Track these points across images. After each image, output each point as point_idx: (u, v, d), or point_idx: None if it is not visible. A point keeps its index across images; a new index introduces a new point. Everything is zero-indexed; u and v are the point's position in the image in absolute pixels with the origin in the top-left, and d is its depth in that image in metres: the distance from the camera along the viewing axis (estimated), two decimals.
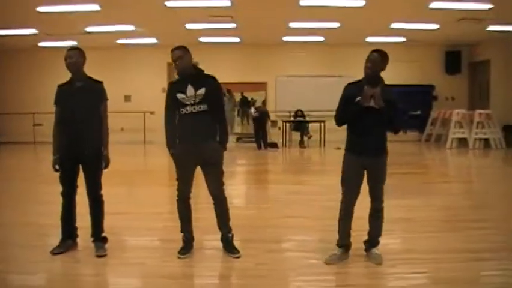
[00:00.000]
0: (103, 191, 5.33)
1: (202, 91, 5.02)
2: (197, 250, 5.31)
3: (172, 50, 5.06)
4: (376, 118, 4.70)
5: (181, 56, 5.04)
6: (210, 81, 5.14)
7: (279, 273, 4.79)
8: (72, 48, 5.25)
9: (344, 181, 4.95)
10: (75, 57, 5.12)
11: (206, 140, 5.10)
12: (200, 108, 5.02)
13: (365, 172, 4.89)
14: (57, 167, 5.19)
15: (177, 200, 5.24)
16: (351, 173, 4.89)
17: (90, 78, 5.26)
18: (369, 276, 4.67)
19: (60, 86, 5.27)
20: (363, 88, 4.69)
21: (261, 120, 16.57)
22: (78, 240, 5.42)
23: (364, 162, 4.83)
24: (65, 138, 5.15)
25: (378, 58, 4.72)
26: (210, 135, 5.15)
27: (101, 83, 5.30)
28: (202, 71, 5.21)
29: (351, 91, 4.82)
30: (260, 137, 16.53)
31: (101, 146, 5.22)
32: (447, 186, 9.85)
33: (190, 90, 5.02)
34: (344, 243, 4.97)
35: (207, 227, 5.72)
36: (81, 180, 5.25)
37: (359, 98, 4.70)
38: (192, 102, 5.01)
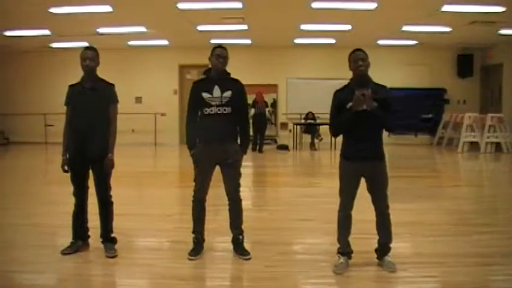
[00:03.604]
0: (113, 192, 5.35)
1: (228, 94, 5.06)
2: (207, 252, 5.33)
3: (220, 47, 5.12)
4: (370, 121, 4.58)
5: (227, 56, 5.12)
6: (236, 85, 5.19)
7: (289, 276, 4.79)
8: (90, 48, 5.22)
9: (341, 190, 4.86)
10: (94, 61, 5.14)
11: (227, 141, 5.12)
12: (225, 110, 5.06)
13: (364, 180, 4.78)
14: (66, 167, 5.21)
15: (193, 200, 5.27)
16: (348, 180, 4.78)
17: (102, 80, 5.27)
18: (378, 280, 4.66)
19: (72, 87, 5.29)
20: (353, 92, 4.55)
21: (260, 121, 16.34)
22: (89, 240, 5.45)
23: (362, 169, 4.72)
24: (74, 139, 5.17)
25: (366, 55, 4.63)
26: (231, 136, 5.18)
27: (112, 85, 5.31)
28: (229, 74, 5.24)
29: (341, 98, 4.71)
30: (257, 139, 16.33)
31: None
32: (457, 190, 9.81)
33: (216, 91, 5.05)
34: (346, 250, 4.92)
35: (217, 228, 5.74)
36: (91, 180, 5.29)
37: (350, 104, 4.58)
38: (218, 103, 5.04)
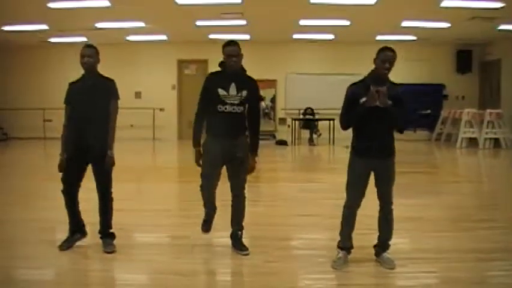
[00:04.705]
0: (112, 188, 5.31)
1: (244, 94, 4.96)
2: (206, 247, 5.33)
3: (229, 44, 4.95)
4: (383, 118, 4.57)
5: (239, 53, 4.97)
6: (251, 85, 5.09)
7: (287, 271, 4.79)
8: (89, 46, 5.19)
9: (349, 185, 4.83)
10: (93, 57, 5.11)
11: (236, 137, 5.05)
12: (238, 109, 4.97)
13: (373, 174, 4.77)
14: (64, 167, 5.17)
15: (200, 187, 5.17)
16: (358, 177, 4.75)
17: (102, 76, 5.24)
18: (378, 275, 4.65)
19: (72, 84, 5.25)
20: (369, 88, 4.52)
21: None
22: (88, 233, 5.40)
23: (372, 165, 4.71)
24: (74, 135, 5.13)
25: (395, 57, 4.58)
26: (241, 133, 5.11)
27: (112, 81, 5.27)
28: (245, 70, 5.16)
29: (356, 92, 4.65)
30: None
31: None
32: (456, 186, 9.80)
33: (232, 89, 4.94)
34: (346, 245, 4.90)
35: (215, 224, 5.72)
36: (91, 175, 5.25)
37: (364, 99, 4.55)
38: (233, 102, 4.93)
